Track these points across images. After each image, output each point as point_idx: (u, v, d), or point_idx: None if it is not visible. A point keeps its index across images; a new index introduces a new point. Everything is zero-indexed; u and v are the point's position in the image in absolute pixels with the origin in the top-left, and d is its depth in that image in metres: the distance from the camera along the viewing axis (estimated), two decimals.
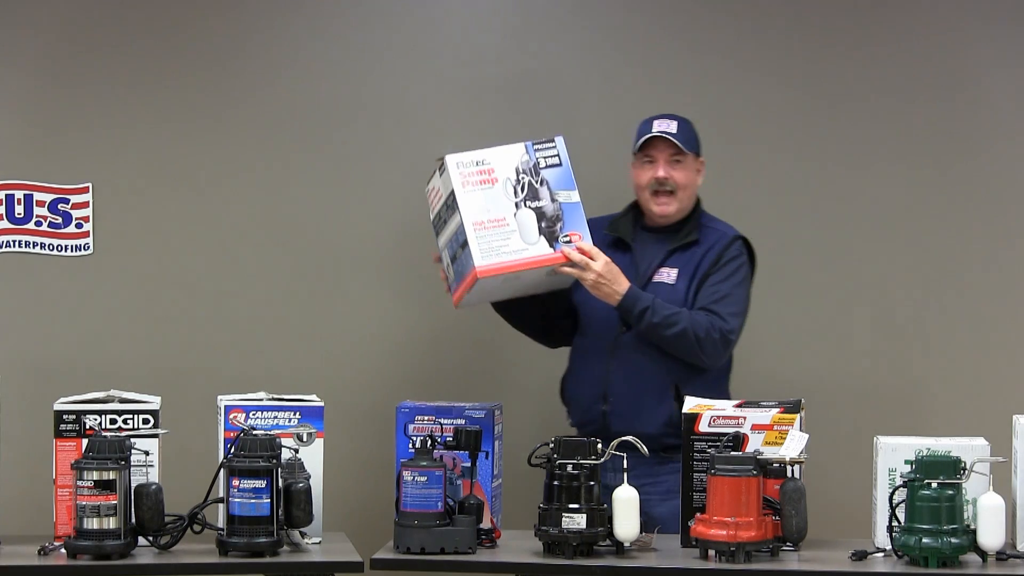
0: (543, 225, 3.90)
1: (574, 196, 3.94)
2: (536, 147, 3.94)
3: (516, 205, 3.89)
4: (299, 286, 4.69)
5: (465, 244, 3.84)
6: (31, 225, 4.62)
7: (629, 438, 3.51)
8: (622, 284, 3.94)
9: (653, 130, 4.07)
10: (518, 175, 3.91)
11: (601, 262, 3.92)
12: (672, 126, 4.08)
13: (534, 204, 3.90)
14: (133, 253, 4.66)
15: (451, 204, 3.88)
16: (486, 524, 3.63)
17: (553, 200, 3.91)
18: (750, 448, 3.51)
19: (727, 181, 4.61)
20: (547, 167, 3.93)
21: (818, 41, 4.69)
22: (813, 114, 4.68)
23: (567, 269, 3.91)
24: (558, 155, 3.95)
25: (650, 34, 4.71)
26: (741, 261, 4.07)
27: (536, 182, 3.91)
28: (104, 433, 3.59)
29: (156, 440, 3.66)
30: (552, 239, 3.90)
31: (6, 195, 4.62)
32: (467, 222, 3.84)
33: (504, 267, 3.85)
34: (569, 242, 3.90)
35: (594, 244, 3.95)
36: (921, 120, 4.67)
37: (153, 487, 3.52)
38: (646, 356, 4.01)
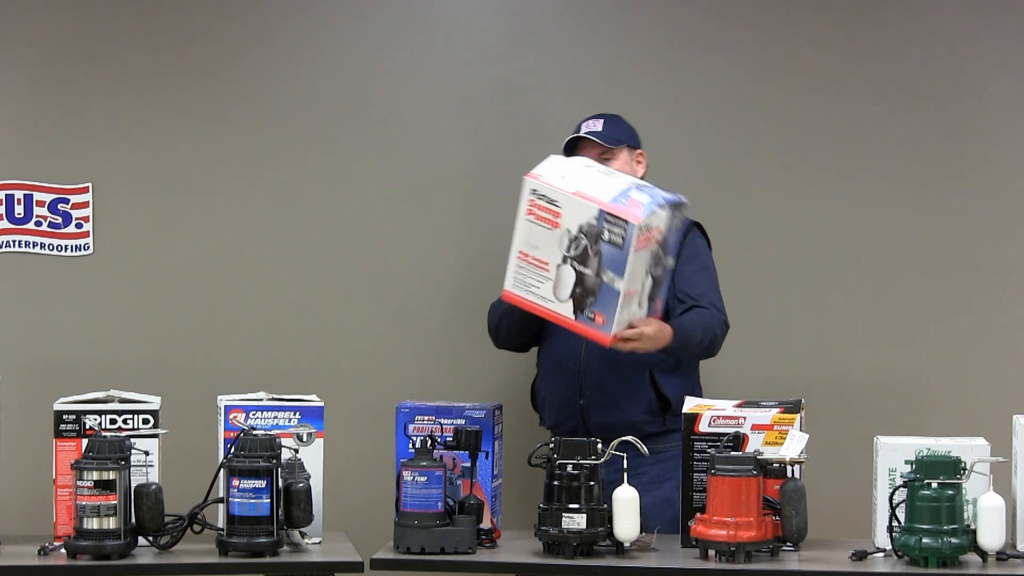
0: (578, 291, 3.74)
1: (618, 283, 3.71)
2: (608, 218, 3.71)
3: (564, 259, 3.74)
4: (299, 285, 4.69)
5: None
6: (31, 225, 4.62)
7: (629, 438, 3.51)
8: (665, 338, 3.85)
9: (581, 131, 4.10)
10: (579, 233, 3.72)
11: (651, 330, 3.80)
12: (597, 124, 4.12)
13: (580, 268, 3.73)
14: (133, 253, 4.66)
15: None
16: (486, 524, 3.63)
17: (598, 275, 3.73)
18: (750, 448, 3.51)
19: (729, 181, 4.62)
20: (608, 242, 3.71)
21: (818, 43, 4.68)
22: (814, 117, 4.67)
23: (624, 337, 3.76)
24: (624, 238, 3.71)
25: (644, 38, 4.70)
26: (704, 247, 4.12)
27: (592, 250, 3.72)
28: (104, 433, 3.58)
29: (156, 440, 3.66)
30: (579, 308, 3.74)
31: (6, 195, 4.62)
32: (515, 247, 3.77)
33: (527, 304, 3.78)
34: (592, 320, 3.73)
35: None
36: (923, 121, 4.66)
37: (153, 487, 3.52)
38: None
